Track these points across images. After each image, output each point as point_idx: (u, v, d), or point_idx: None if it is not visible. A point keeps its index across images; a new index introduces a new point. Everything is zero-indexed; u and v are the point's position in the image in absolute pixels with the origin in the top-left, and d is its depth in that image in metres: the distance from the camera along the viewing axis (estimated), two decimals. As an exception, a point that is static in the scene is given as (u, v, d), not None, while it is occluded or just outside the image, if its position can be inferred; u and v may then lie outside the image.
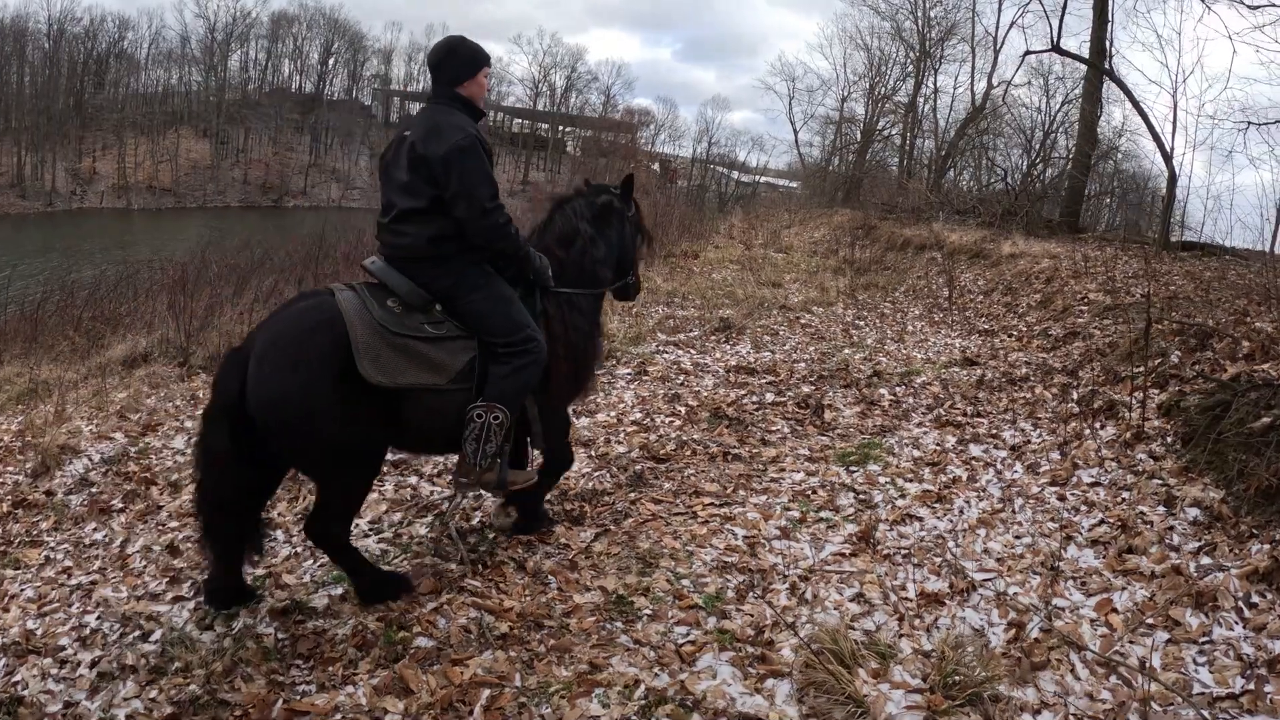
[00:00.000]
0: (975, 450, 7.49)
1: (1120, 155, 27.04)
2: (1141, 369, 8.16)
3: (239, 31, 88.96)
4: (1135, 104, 18.90)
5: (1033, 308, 13.40)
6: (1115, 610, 4.95)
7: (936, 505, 6.27)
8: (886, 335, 12.96)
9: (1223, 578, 5.06)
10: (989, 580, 5.22)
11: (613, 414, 8.24)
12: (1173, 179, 17.61)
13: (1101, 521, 5.94)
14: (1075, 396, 8.45)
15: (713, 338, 11.74)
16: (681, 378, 9.56)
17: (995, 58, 31.88)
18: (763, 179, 61.15)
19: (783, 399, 8.75)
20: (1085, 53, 21.37)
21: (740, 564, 5.28)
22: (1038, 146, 27.69)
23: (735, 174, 65.28)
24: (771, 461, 7.02)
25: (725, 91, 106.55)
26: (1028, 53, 24.11)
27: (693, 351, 10.86)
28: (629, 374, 9.71)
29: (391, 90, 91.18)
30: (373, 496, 5.86)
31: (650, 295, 15.09)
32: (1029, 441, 7.63)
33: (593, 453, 7.14)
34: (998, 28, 32.41)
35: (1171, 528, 5.71)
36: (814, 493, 6.38)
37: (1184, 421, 6.91)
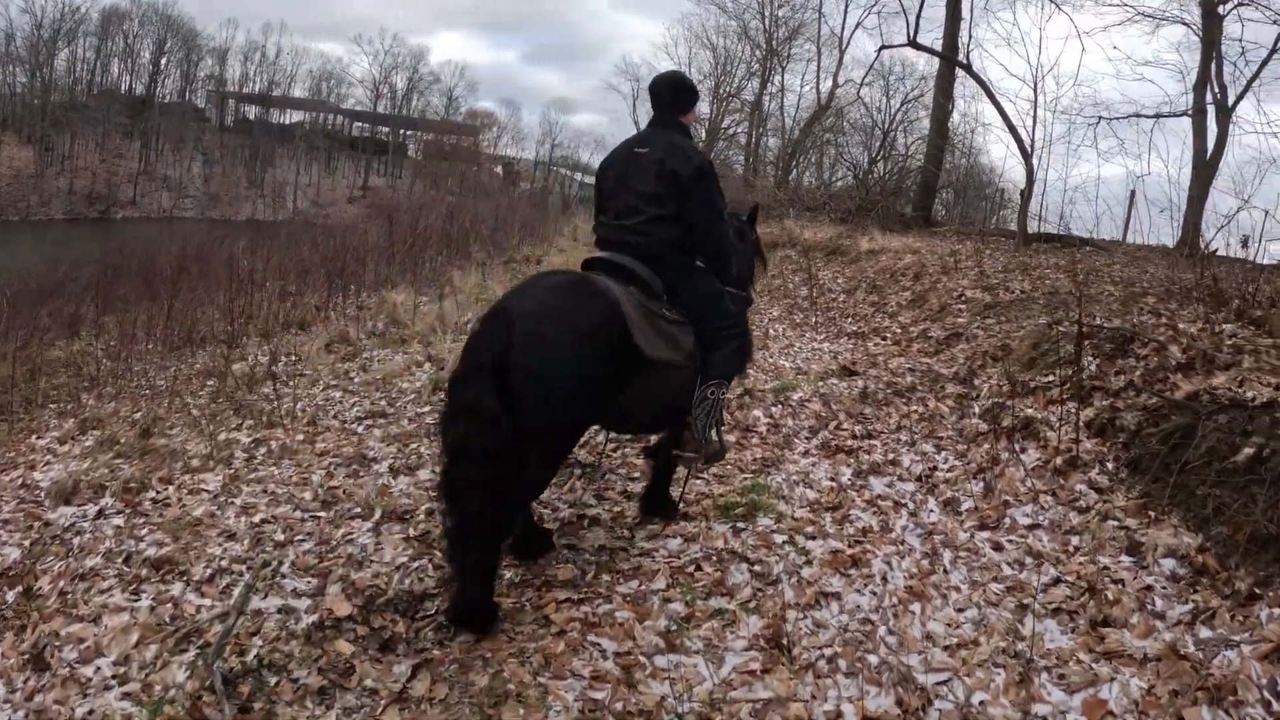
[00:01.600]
0: (878, 485, 6.22)
1: (971, 150, 27.03)
2: (1053, 377, 7.06)
3: (67, 28, 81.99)
4: (992, 99, 18.56)
5: (904, 306, 12.36)
6: (1112, 714, 3.68)
7: (852, 572, 4.92)
8: (750, 343, 11.68)
9: (1236, 660, 3.88)
10: (944, 684, 3.88)
11: (439, 469, 6.51)
12: (1031, 173, 17.10)
13: (1058, 580, 4.70)
14: (977, 410, 7.29)
15: None
16: None
17: (841, 57, 31.76)
18: (604, 180, 60.20)
19: None
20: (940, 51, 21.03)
21: (615, 703, 3.71)
22: (878, 144, 27.60)
23: (579, 176, 64.05)
24: (638, 523, 5.54)
25: (571, 94, 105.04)
26: (883, 47, 23.84)
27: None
28: None
29: (227, 92, 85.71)
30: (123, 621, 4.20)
31: (487, 303, 13.53)
32: (936, 469, 6.43)
33: (410, 530, 5.47)
34: (843, 28, 32.36)
35: (1149, 588, 4.51)
36: (698, 569, 4.93)
37: (1125, 444, 5.77)
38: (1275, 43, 16.04)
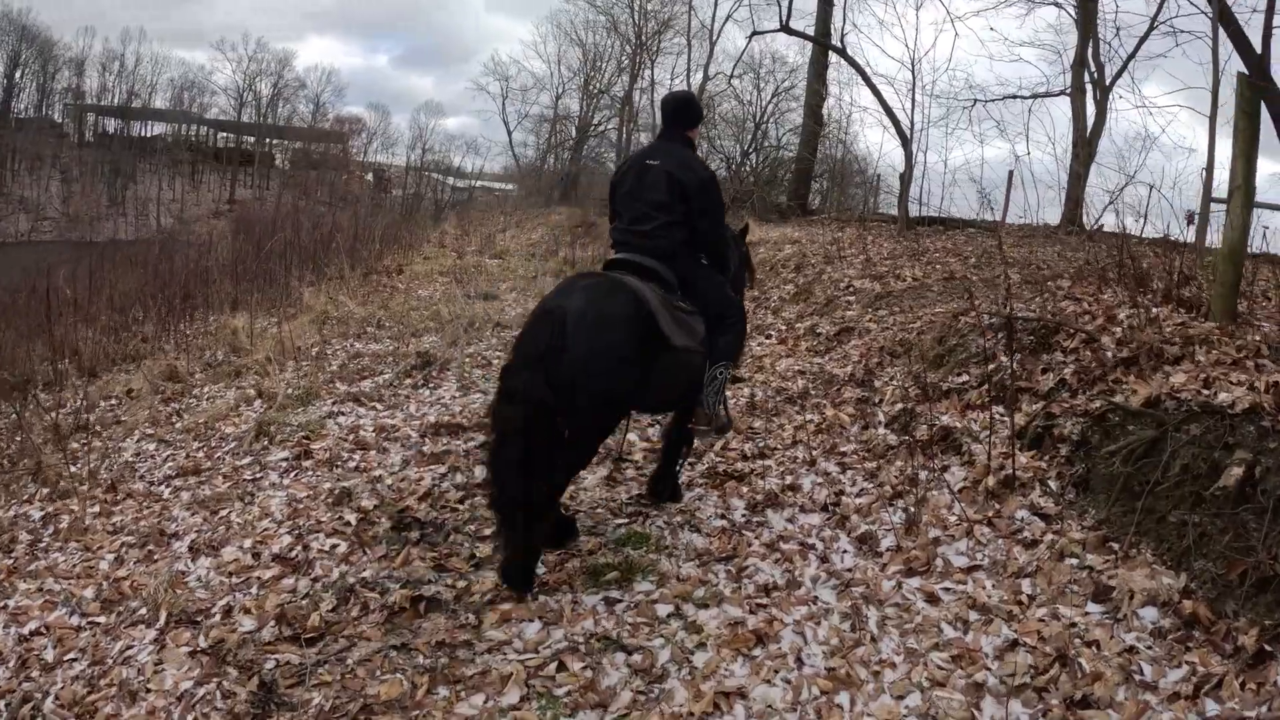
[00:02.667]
0: (778, 520, 5.19)
1: (847, 136, 26.65)
2: (967, 377, 6.14)
3: (-83, 39, 75.31)
4: (868, 82, 18.00)
5: (787, 301, 11.41)
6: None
7: (757, 652, 3.85)
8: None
9: (1261, 750, 2.94)
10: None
11: (248, 543, 5.23)
12: (910, 156, 16.52)
13: (1014, 644, 3.71)
14: (882, 418, 6.34)
15: (408, 381, 8.93)
16: (358, 456, 6.69)
17: (711, 49, 31.04)
18: (479, 183, 58.60)
19: None
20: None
21: None
22: (750, 137, 27.08)
23: (451, 180, 62.14)
24: (489, 604, 4.35)
25: (443, 97, 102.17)
26: (754, 33, 22.94)
27: (379, 407, 8.01)
28: (285, 460, 6.73)
29: (85, 105, 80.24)
30: None
31: (339, 326, 12.18)
32: (843, 493, 5.44)
33: (201, 639, 4.16)
34: (714, 20, 31.61)
35: (1131, 649, 3.57)
36: (561, 668, 3.76)
37: (1068, 458, 4.85)
38: (1153, 19, 15.80)
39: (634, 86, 40.64)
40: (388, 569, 4.75)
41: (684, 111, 5.29)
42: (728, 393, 5.77)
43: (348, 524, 5.33)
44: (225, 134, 78.02)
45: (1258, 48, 13.34)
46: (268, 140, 77.85)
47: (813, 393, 7.38)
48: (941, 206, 16.26)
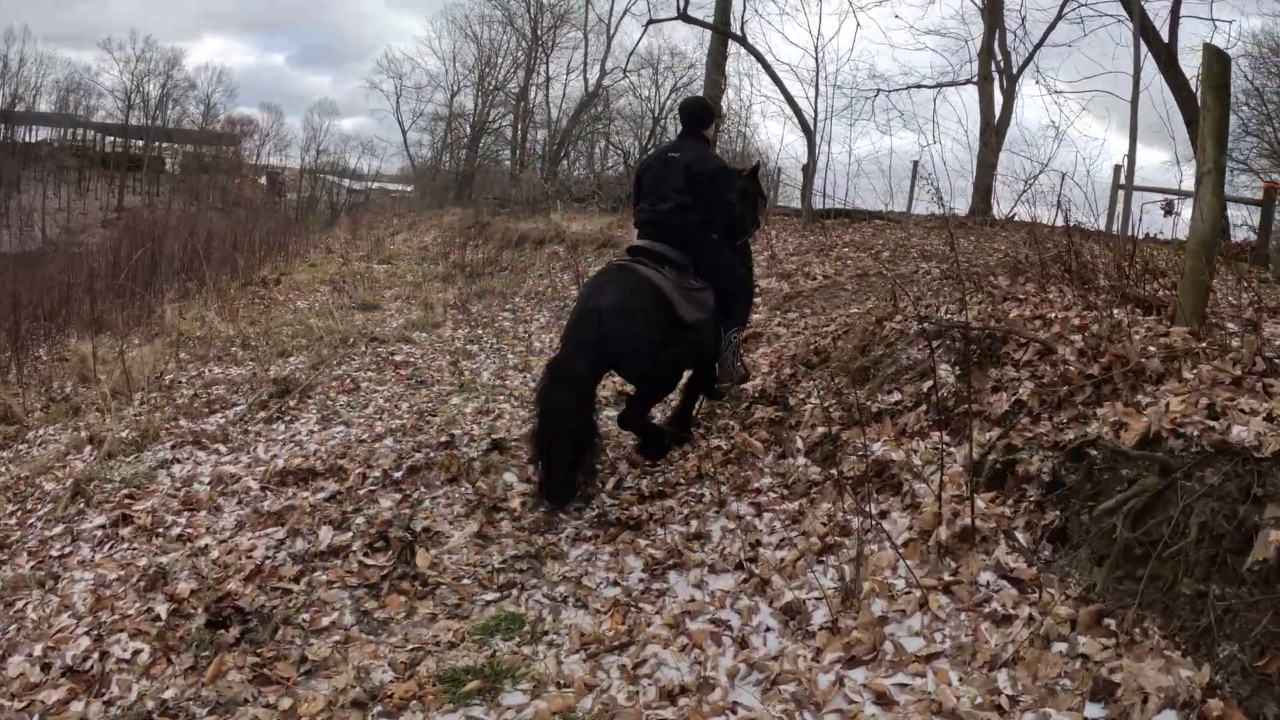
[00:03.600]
0: (683, 586, 4.23)
1: (748, 127, 26.00)
2: (901, 396, 5.24)
3: None
4: (769, 71, 17.39)
5: (688, 304, 10.45)
6: None
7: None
8: (508, 363, 9.53)
9: None
10: None
11: (39, 649, 4.02)
12: (813, 147, 15.85)
13: (999, 774, 2.77)
14: (801, 445, 5.40)
15: (261, 414, 7.73)
16: (183, 520, 5.47)
17: (609, 43, 30.12)
18: (376, 185, 56.63)
19: (347, 535, 4.92)
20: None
21: None
22: (649, 133, 26.32)
23: (347, 182, 59.90)
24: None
25: (340, 97, 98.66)
26: (651, 21, 22.09)
27: (222, 450, 6.80)
28: (101, 529, 5.48)
29: None
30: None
31: (199, 348, 10.89)
32: (760, 544, 4.47)
33: None
34: (611, 14, 30.69)
35: (1160, 789, 2.64)
36: None
37: (1038, 503, 3.95)
38: (1061, 8, 15.53)
39: (529, 82, 39.44)
40: (195, 685, 3.64)
41: (699, 114, 6.14)
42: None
43: (156, 618, 4.17)
44: (113, 138, 73.82)
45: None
46: (157, 144, 73.88)
47: (718, 412, 6.43)
48: (847, 198, 15.61)
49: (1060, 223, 7.14)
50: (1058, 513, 3.83)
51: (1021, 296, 5.93)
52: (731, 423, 6.12)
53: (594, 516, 5.11)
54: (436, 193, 38.86)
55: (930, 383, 5.01)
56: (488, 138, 43.08)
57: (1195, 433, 3.63)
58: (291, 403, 7.96)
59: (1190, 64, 14.20)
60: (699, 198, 5.71)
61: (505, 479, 5.64)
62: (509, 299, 14.14)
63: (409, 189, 50.79)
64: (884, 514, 4.32)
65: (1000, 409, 4.55)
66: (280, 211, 40.49)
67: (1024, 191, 11.14)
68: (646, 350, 5.34)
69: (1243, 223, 14.30)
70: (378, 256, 21.43)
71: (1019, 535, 3.84)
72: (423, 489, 5.64)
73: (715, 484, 5.21)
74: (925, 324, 5.64)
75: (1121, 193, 11.84)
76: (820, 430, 5.31)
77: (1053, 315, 5.23)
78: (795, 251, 11.67)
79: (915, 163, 16.55)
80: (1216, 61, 5.10)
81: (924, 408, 4.94)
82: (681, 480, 5.47)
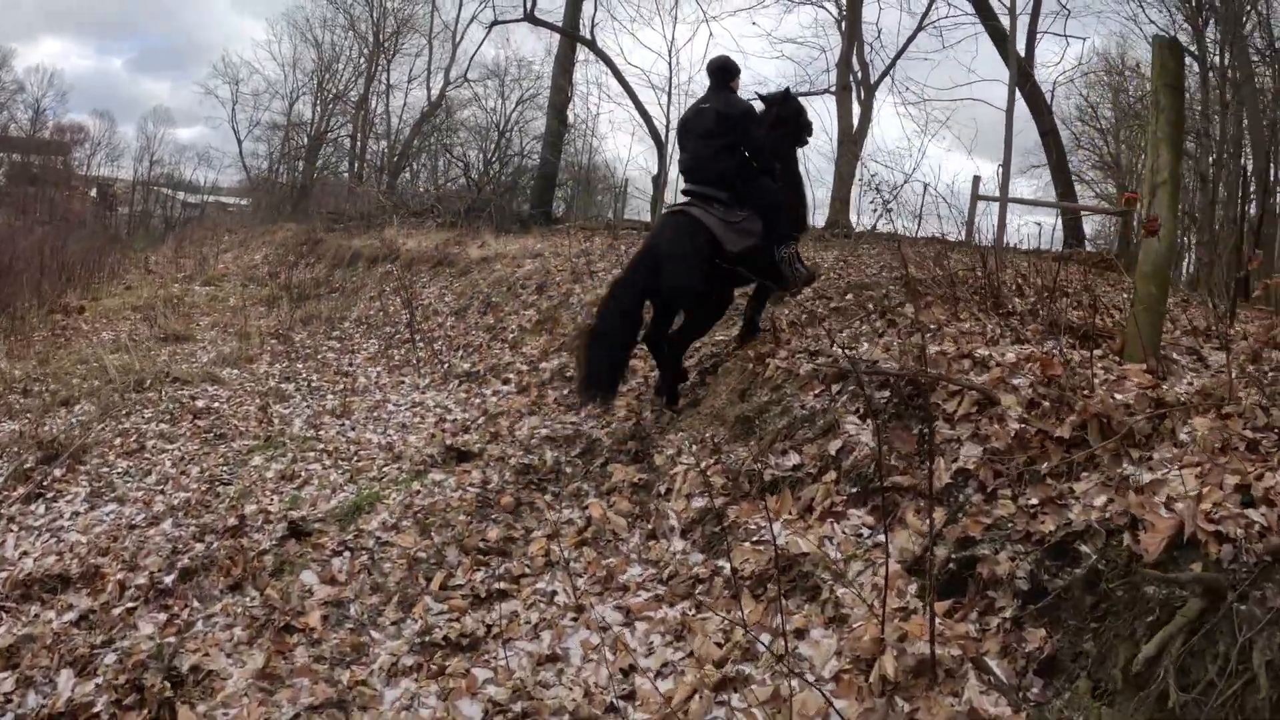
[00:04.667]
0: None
1: (595, 138, 24.94)
2: (798, 459, 4.13)
3: None
4: (619, 77, 16.57)
5: (529, 330, 9.18)
6: None
7: None
8: (326, 406, 8.11)
9: None
10: None
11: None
12: (664, 157, 14.92)
13: None
14: (676, 523, 4.23)
15: (21, 488, 6.11)
16: None
17: (454, 51, 28.60)
18: (212, 198, 53.33)
19: (90, 687, 3.50)
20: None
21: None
22: (494, 146, 24.98)
23: (182, 195, 56.25)
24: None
25: (178, 104, 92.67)
26: (495, 22, 20.90)
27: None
28: None
29: None
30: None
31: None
32: (634, 672, 3.33)
33: None
34: (458, 20, 29.19)
35: None
36: None
37: (1015, 621, 2.85)
38: (921, 19, 15.14)
39: (370, 90, 37.42)
40: None
41: (726, 70, 6.41)
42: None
43: None
44: (-67, 147, 67.53)
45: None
46: (-21, 153, 67.84)
47: (568, 472, 5.22)
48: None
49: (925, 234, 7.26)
50: (1043, 633, 2.75)
51: (934, 325, 4.88)
52: (585, 485, 4.91)
53: (413, 634, 3.81)
54: (272, 207, 36.56)
55: (838, 443, 3.89)
56: (327, 148, 40.87)
57: (1238, 531, 2.58)
58: (58, 473, 6.39)
59: (1046, 79, 13.94)
60: (731, 138, 6.10)
61: (303, 580, 4.30)
62: (336, 325, 12.77)
63: (245, 202, 47.99)
64: (801, 632, 3.16)
65: (939, 480, 3.45)
66: (111, 226, 37.69)
67: (887, 204, 10.21)
68: (695, 283, 5.84)
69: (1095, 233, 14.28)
70: (201, 277, 19.67)
71: (993, 665, 2.74)
72: (196, 603, 4.28)
73: (569, 577, 3.98)
74: (820, 363, 4.55)
75: (985, 204, 11.29)
76: (699, 504, 4.14)
77: (984, 353, 4.18)
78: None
79: None
80: (1171, 57, 4.24)
81: (833, 476, 3.82)
82: (527, 570, 4.24)
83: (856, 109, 16.06)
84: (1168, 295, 4.30)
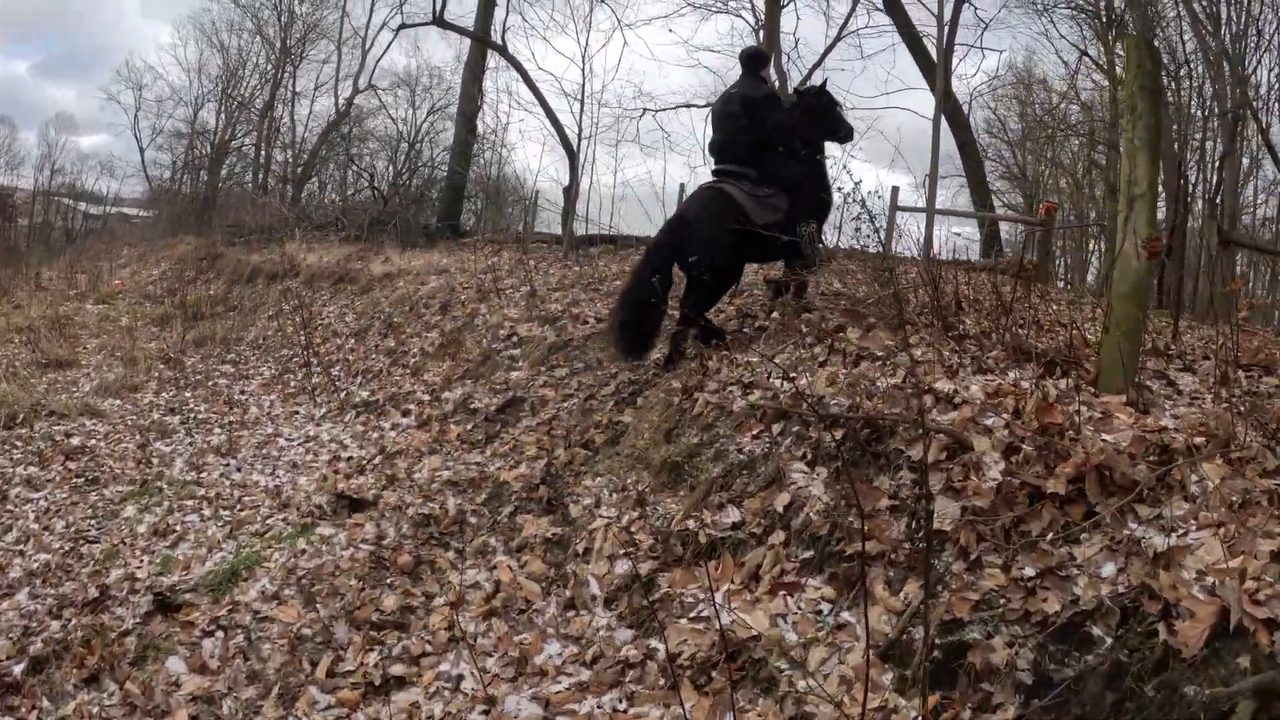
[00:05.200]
0: None
1: (505, 147, 24.29)
2: (738, 515, 3.57)
3: None
4: (530, 84, 16.01)
5: (431, 355, 8.50)
6: None
7: None
8: (211, 443, 7.34)
9: None
10: None
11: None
12: (576, 169, 14.35)
13: None
14: (598, 591, 3.64)
15: None
16: None
17: (363, 58, 27.65)
18: (115, 209, 51.17)
19: None
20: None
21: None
22: (404, 157, 24.23)
23: (84, 206, 53.81)
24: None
25: (82, 111, 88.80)
26: (403, 25, 20.16)
27: None
28: None
29: None
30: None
31: None
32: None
33: None
34: (368, 27, 28.24)
35: None
36: None
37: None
38: (840, 30, 15.13)
39: (276, 98, 36.08)
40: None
41: (755, 58, 6.87)
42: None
43: None
44: None
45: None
46: (-127, 162, 64.35)
47: (473, 524, 4.58)
48: (611, 223, 14.14)
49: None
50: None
51: (881, 353, 4.35)
52: (492, 540, 4.29)
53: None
54: (174, 219, 35.02)
55: (787, 496, 3.34)
56: (231, 158, 39.40)
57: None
58: None
59: (964, 91, 13.79)
60: (753, 120, 6.46)
61: (169, 669, 3.63)
62: (232, 346, 11.99)
63: (150, 214, 46.07)
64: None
65: (905, 541, 2.91)
66: (10, 239, 35.98)
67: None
68: (717, 249, 6.14)
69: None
70: (95, 295, 18.56)
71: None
72: (46, 702, 3.57)
73: (474, 657, 3.36)
74: (757, 400, 4.00)
75: (904, 214, 11.01)
76: (622, 568, 3.54)
77: (946, 386, 3.65)
78: (559, 286, 9.88)
79: (682, 185, 15.39)
80: (1149, 59, 3.80)
81: (782, 537, 3.25)
82: (428, 648, 3.61)
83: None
84: (1146, 316, 3.84)
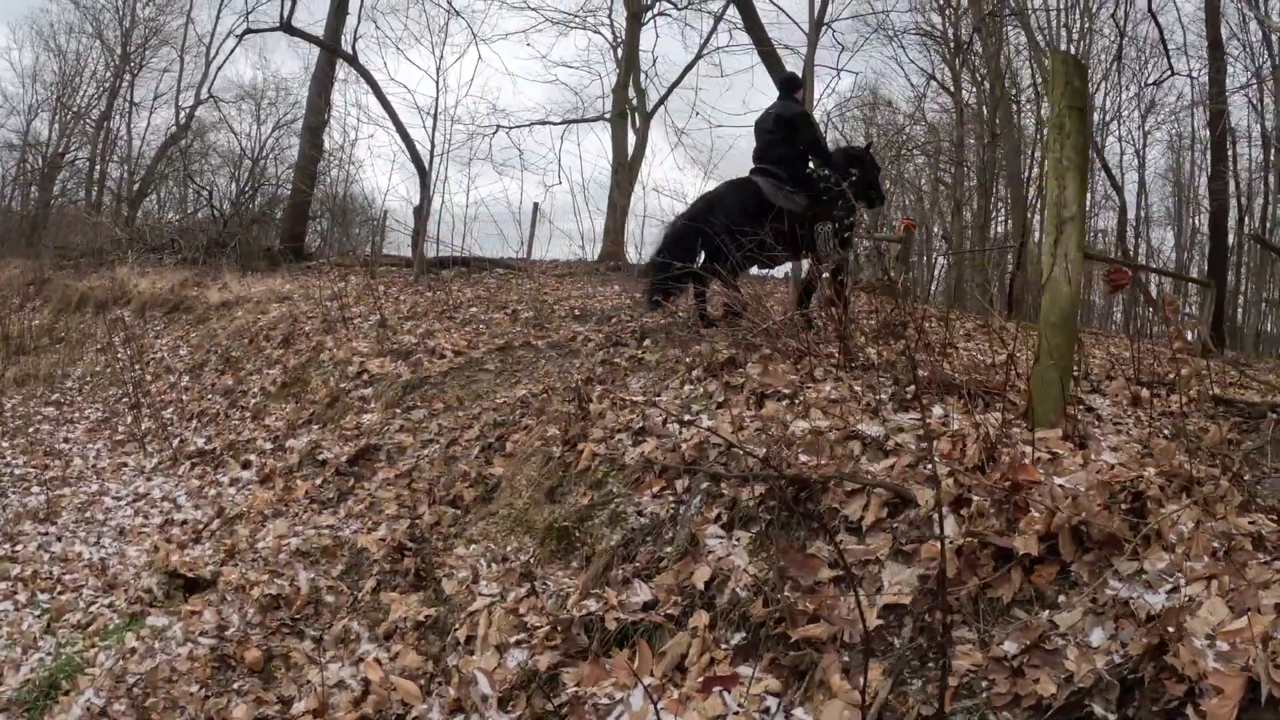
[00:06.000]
0: None
1: (354, 165, 23.35)
2: (644, 595, 3.11)
3: None
4: (380, 96, 15.22)
5: (273, 394, 7.77)
6: None
7: None
8: (28, 505, 6.46)
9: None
10: None
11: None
12: (427, 187, 13.72)
13: None
14: (487, 691, 3.08)
15: None
16: None
17: (207, 68, 26.12)
18: (-55, 231, 47.24)
19: None
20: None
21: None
22: (248, 175, 23.01)
23: None
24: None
25: None
26: (249, 30, 18.96)
27: None
28: None
29: None
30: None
31: None
32: None
33: None
34: (213, 35, 26.70)
35: None
36: None
37: None
38: (701, 48, 15.26)
39: (113, 108, 33.81)
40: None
41: (790, 82, 7.90)
42: None
43: None
44: None
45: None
46: None
47: (330, 601, 3.97)
48: (464, 244, 13.60)
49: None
50: None
51: (786, 390, 3.93)
52: (354, 625, 3.69)
53: None
54: (2, 240, 32.55)
55: (705, 569, 2.86)
56: (65, 173, 36.89)
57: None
58: None
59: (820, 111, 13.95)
60: (786, 134, 7.30)
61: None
62: (57, 385, 10.99)
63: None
64: None
65: (855, 617, 2.47)
66: None
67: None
68: (735, 220, 6.71)
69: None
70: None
71: None
72: None
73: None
74: (653, 451, 3.52)
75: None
76: (515, 660, 3.00)
77: (871, 430, 3.24)
78: (411, 314, 9.24)
79: (536, 205, 15.02)
80: (1076, 76, 3.48)
81: (706, 619, 2.77)
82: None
83: (632, 137, 15.50)
84: (1075, 345, 3.53)
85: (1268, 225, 17.95)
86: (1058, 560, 2.45)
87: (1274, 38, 14.89)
